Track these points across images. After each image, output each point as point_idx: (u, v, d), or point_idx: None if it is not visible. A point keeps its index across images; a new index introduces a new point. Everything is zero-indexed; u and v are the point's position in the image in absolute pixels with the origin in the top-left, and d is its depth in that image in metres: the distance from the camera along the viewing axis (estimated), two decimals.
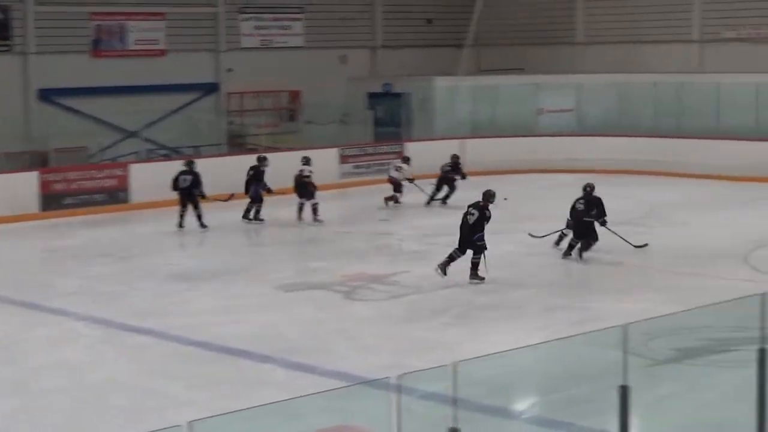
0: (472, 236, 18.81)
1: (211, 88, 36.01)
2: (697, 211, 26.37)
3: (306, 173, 25.98)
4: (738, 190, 29.38)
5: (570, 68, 38.14)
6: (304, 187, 25.88)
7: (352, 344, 15.31)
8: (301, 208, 25.70)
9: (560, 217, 25.40)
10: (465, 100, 36.56)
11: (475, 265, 18.66)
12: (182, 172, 24.96)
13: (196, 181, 24.87)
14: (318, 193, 25.90)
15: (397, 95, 36.94)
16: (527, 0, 39.75)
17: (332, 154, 32.01)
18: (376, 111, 36.91)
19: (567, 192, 29.62)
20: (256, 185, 25.80)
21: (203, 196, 24.86)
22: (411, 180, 28.20)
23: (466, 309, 17.24)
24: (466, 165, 29.88)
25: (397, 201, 28.28)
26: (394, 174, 28.78)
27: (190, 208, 24.82)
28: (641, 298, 17.43)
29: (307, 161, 26.47)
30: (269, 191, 25.97)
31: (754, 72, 33.51)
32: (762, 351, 9.49)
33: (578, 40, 39.06)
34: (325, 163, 31.31)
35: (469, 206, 19.55)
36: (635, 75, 35.45)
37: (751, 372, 10.19)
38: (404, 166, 28.81)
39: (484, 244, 18.80)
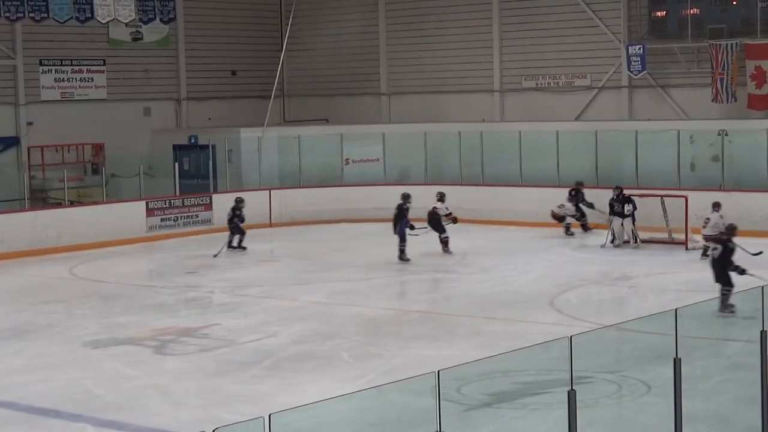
0: None
1: (11, 142, 35.19)
2: (503, 257, 26.87)
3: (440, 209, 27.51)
4: (541, 235, 30.06)
5: (375, 118, 38.60)
6: (438, 222, 27.28)
7: (164, 399, 15.03)
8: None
9: (370, 266, 25.67)
10: (272, 151, 36.53)
11: None
12: None
13: None
14: (130, 248, 25.48)
15: (204, 147, 36.71)
16: (331, 51, 40.09)
17: (139, 207, 31.57)
18: (182, 163, 36.58)
19: (374, 240, 30.02)
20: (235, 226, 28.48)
21: None
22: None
23: (278, 360, 17.12)
24: (274, 215, 29.91)
25: (569, 231, 29.26)
26: (557, 210, 29.53)
27: None
28: (452, 344, 17.62)
29: (441, 197, 28.01)
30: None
31: (553, 120, 34.47)
32: (571, 393, 9.68)
33: (382, 90, 39.56)
34: (131, 216, 30.93)
35: None
36: (439, 124, 36.07)
37: (562, 413, 10.37)
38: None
39: None
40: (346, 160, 36.18)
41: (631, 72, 34.11)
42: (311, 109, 39.81)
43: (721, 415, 12.59)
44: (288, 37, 38.83)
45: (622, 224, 27.71)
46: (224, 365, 16.88)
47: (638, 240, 27.64)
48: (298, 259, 27.76)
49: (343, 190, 34.55)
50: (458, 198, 33.24)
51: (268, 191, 34.15)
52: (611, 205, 28.08)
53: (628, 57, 33.98)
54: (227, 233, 28.86)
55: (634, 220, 27.84)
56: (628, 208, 27.72)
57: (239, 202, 29.21)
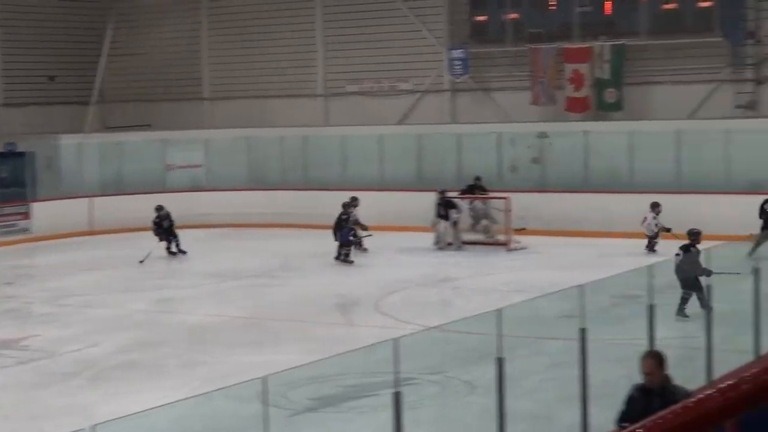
0: None
1: None
2: (326, 262, 26.89)
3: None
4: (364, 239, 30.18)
5: (198, 124, 38.24)
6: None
7: None
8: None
9: (194, 273, 25.41)
10: (92, 158, 35.86)
11: None
12: None
13: None
14: None
15: (21, 154, 35.79)
16: (153, 56, 39.54)
17: None
18: None
19: (198, 247, 29.74)
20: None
21: None
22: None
23: (101, 370, 16.81)
24: (95, 223, 29.33)
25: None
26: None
27: None
28: (278, 349, 17.54)
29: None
30: None
31: (377, 124, 34.66)
32: (396, 394, 9.72)
33: (205, 95, 39.22)
34: None
35: None
36: (263, 129, 35.93)
37: (388, 416, 10.41)
38: None
39: None
40: (169, 166, 35.75)
41: (454, 76, 34.52)
42: (133, 115, 39.20)
43: (542, 413, 12.81)
44: (109, 42, 38.21)
45: (445, 227, 28.01)
46: (45, 377, 16.48)
47: (461, 243, 27.97)
48: (120, 268, 27.30)
49: (166, 197, 34.07)
50: (281, 203, 33.28)
51: (89, 199, 33.50)
52: (436, 209, 28.33)
53: (450, 61, 34.39)
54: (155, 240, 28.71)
55: (457, 223, 28.15)
56: (452, 213, 27.96)
57: (159, 209, 29.16)
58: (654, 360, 8.83)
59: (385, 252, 28.10)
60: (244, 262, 27.12)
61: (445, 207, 28.09)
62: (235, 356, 17.38)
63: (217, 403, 11.98)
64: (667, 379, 8.72)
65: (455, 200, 28.33)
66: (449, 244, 28.02)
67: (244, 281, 24.66)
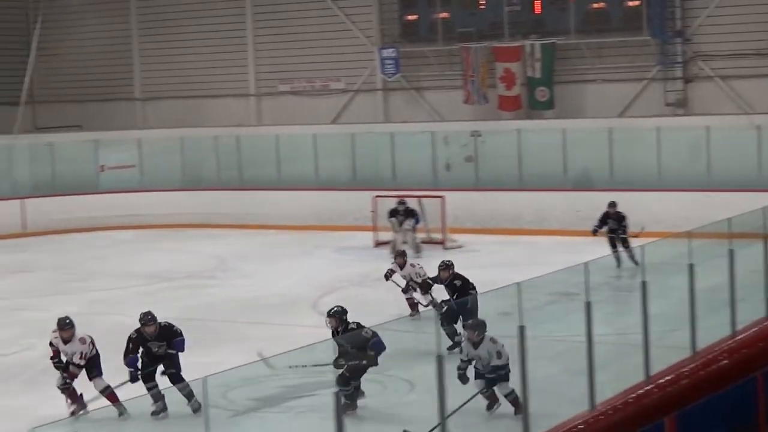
0: None
1: None
2: (262, 262, 26.89)
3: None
4: (299, 238, 30.20)
5: (130, 124, 38.00)
6: None
7: None
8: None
9: (121, 275, 25.27)
10: (23, 159, 35.53)
11: None
12: None
13: None
14: None
15: None
16: (83, 55, 39.21)
17: None
18: None
19: (129, 248, 29.59)
20: None
21: None
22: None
23: (37, 373, 16.67)
24: (28, 225, 29.04)
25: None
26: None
27: None
28: (215, 350, 17.49)
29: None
30: None
31: (310, 123, 34.67)
32: (336, 394, 9.76)
33: (137, 95, 38.97)
34: None
35: None
36: (196, 129, 35.77)
37: (328, 415, 10.45)
38: None
39: None
40: (101, 166, 35.47)
41: (385, 75, 34.60)
42: (64, 116, 38.84)
43: (481, 408, 12.91)
44: (37, 41, 37.84)
45: (402, 234, 27.36)
46: None
47: (420, 251, 27.14)
48: (53, 269, 27.10)
49: (98, 198, 33.88)
50: (216, 203, 33.19)
51: (20, 200, 33.18)
52: (393, 215, 27.67)
53: (382, 60, 34.45)
54: None
55: (414, 230, 27.58)
56: (409, 222, 27.40)
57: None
58: None
59: (321, 251, 28.11)
60: (178, 262, 27.03)
61: (405, 216, 27.47)
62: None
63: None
64: None
65: (413, 209, 27.79)
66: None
67: (178, 282, 24.57)
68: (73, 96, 39.15)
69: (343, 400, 12.58)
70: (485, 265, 24.89)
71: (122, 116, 38.42)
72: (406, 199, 27.91)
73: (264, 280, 24.37)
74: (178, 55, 37.94)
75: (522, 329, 10.95)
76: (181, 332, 14.44)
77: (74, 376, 14.23)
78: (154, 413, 13.58)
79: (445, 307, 17.23)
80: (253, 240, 30.39)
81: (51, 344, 14.50)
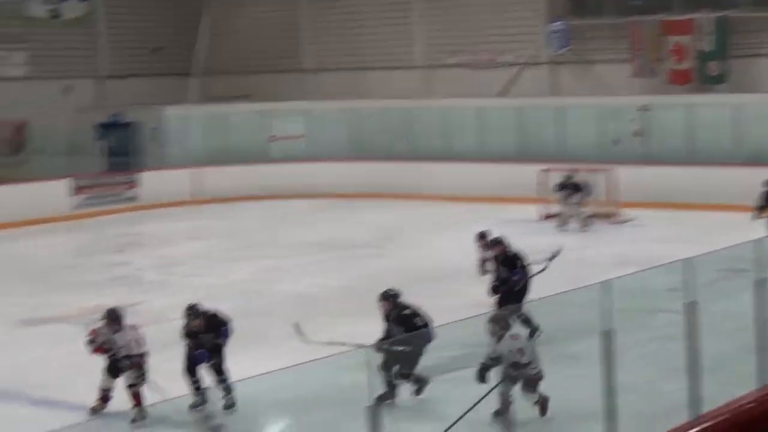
0: None
1: None
2: (429, 233, 27.02)
3: None
4: (466, 210, 30.21)
5: (299, 95, 38.50)
6: None
7: (94, 378, 14.95)
8: None
9: (291, 244, 25.69)
10: (196, 129, 36.41)
11: None
12: None
13: None
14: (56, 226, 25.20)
15: (127, 125, 36.45)
16: (254, 27, 39.84)
17: (63, 185, 31.35)
18: (106, 141, 36.30)
19: (299, 218, 30.06)
20: None
21: None
22: None
23: None
24: (201, 193, 29.73)
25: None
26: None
27: None
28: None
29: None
30: None
31: (475, 96, 34.66)
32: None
33: (305, 67, 39.43)
34: (55, 194, 30.72)
35: None
36: (364, 101, 36.07)
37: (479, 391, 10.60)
38: None
39: None
40: (271, 137, 36.10)
41: (553, 48, 34.34)
42: (235, 86, 39.54)
43: (650, 385, 12.81)
44: (210, 13, 38.59)
45: (570, 208, 27.25)
46: (153, 343, 16.81)
47: (588, 225, 27.06)
48: (225, 237, 27.72)
49: (269, 167, 34.49)
50: (383, 174, 33.45)
51: (193, 169, 34.02)
52: (561, 189, 27.52)
53: (550, 33, 34.21)
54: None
55: (580, 204, 27.39)
56: (576, 196, 27.19)
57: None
58: None
59: (486, 224, 28.05)
60: (346, 232, 27.35)
61: (572, 189, 27.29)
62: (338, 326, 17.54)
63: (320, 372, 12.12)
64: None
65: (581, 182, 27.53)
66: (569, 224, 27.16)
67: (346, 252, 24.85)
68: (243, 67, 39.82)
69: (384, 387, 12.53)
70: (653, 239, 24.68)
71: (291, 87, 38.93)
72: (573, 172, 27.72)
73: (430, 251, 24.50)
74: (347, 27, 38.25)
75: (692, 305, 10.87)
76: (227, 321, 13.98)
77: (139, 368, 13.26)
78: (193, 406, 12.83)
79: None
80: (420, 211, 30.53)
81: (93, 335, 13.52)
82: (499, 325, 11.95)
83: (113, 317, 13.54)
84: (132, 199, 32.53)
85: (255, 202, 32.91)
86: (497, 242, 17.59)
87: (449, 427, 10.51)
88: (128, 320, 13.69)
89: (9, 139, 36.46)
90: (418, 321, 12.88)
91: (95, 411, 13.20)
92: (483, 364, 11.75)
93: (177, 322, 17.89)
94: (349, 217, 29.91)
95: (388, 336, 12.76)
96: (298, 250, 25.12)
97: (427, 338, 12.65)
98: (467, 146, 33.49)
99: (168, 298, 19.82)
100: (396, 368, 12.82)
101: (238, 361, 15.43)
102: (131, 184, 32.81)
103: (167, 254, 25.09)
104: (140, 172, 33.46)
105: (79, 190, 31.69)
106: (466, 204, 31.12)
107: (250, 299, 19.67)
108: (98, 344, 13.33)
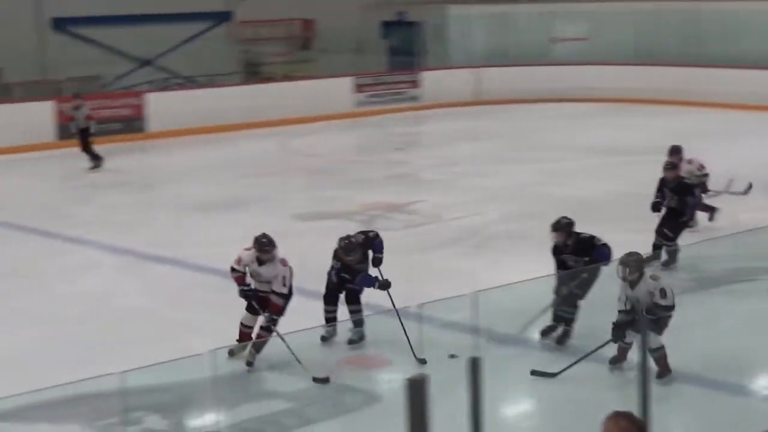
0: None
1: (223, 17, 35.74)
2: (719, 141, 26.13)
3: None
4: (757, 118, 29.15)
5: None
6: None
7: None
8: None
9: (572, 147, 25.35)
10: (479, 29, 36.33)
11: None
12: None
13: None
14: (338, 123, 25.72)
15: (411, 24, 36.69)
16: None
17: (346, 83, 31.91)
18: (390, 40, 36.69)
19: (578, 121, 29.67)
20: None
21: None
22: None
23: (485, 239, 17.18)
24: (481, 94, 29.65)
25: None
26: None
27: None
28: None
29: None
30: None
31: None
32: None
33: None
34: (339, 92, 31.30)
35: None
36: (650, 3, 35.06)
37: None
38: None
39: None
40: (554, 38, 35.67)
41: None
42: None
43: None
44: None
45: None
46: (430, 242, 17.04)
47: None
48: (504, 138, 27.69)
49: (550, 69, 34.12)
50: (667, 79, 32.58)
51: (474, 69, 34.00)
52: None
53: None
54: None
55: None
56: None
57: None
58: None
59: None
60: (628, 138, 26.82)
61: None
62: (620, 233, 17.08)
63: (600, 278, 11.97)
64: None
65: None
66: None
67: (628, 157, 24.33)
68: None
69: (562, 327, 11.94)
70: None
71: None
72: None
73: (717, 160, 23.69)
74: None
75: None
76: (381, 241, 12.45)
77: (278, 310, 11.47)
78: (351, 341, 12.12)
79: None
80: (706, 117, 29.61)
81: (237, 263, 11.73)
82: (631, 267, 10.54)
83: (263, 246, 11.61)
84: (414, 98, 32.83)
85: (535, 105, 32.66)
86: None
87: (571, 365, 10.38)
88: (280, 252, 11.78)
89: (298, 36, 37.34)
90: (596, 241, 12.18)
91: (232, 354, 11.58)
92: (617, 322, 10.59)
93: (453, 223, 18.17)
94: (632, 123, 29.30)
95: (565, 268, 11.94)
96: (576, 153, 24.78)
97: (605, 256, 11.73)
98: (758, 51, 32.13)
99: (445, 198, 19.98)
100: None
101: (517, 260, 15.42)
102: (413, 83, 33.08)
103: (446, 154, 25.23)
104: (422, 72, 33.66)
105: (361, 88, 32.19)
106: (757, 113, 29.98)
107: (530, 201, 19.57)
108: (239, 273, 11.65)
